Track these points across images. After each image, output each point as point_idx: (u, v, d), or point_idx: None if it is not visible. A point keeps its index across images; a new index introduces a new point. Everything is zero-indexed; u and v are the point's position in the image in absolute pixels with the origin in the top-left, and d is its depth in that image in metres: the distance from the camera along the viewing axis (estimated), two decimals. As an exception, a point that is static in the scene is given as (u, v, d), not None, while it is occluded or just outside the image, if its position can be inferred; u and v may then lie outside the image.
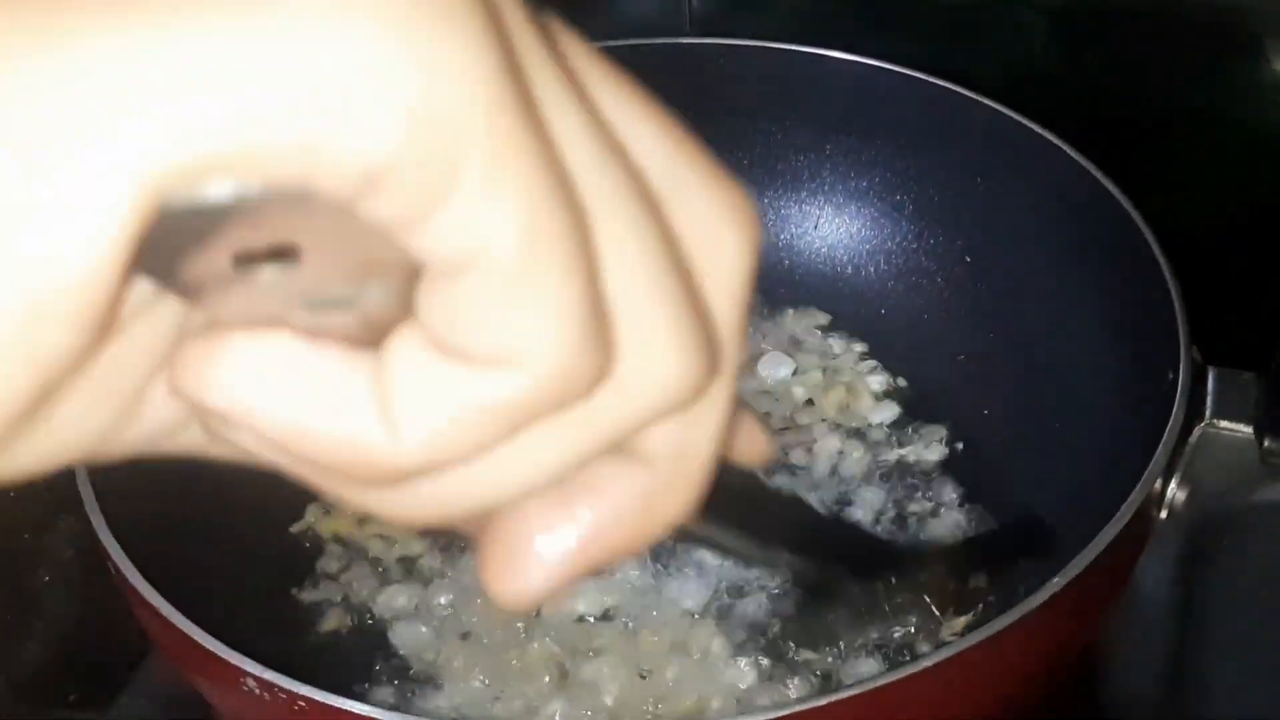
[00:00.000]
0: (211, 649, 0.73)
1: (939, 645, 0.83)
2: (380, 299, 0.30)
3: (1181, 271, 0.87)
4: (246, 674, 0.72)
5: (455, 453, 0.29)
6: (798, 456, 1.01)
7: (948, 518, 0.97)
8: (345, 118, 0.26)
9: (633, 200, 0.30)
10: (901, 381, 1.06)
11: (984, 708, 0.79)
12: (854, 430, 1.03)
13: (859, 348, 1.07)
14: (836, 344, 1.08)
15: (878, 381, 1.04)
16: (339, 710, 0.69)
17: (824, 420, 1.03)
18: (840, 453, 1.01)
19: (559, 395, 0.29)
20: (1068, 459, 0.94)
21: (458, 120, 0.26)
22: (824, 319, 1.09)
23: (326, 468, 0.30)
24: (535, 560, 0.32)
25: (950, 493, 0.98)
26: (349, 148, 0.26)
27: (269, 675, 0.71)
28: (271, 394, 0.29)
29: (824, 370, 1.06)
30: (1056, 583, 0.72)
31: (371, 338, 0.29)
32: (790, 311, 1.10)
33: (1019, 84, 1.08)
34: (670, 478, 0.33)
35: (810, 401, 1.05)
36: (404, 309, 0.29)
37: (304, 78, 0.25)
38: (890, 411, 1.03)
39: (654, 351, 0.30)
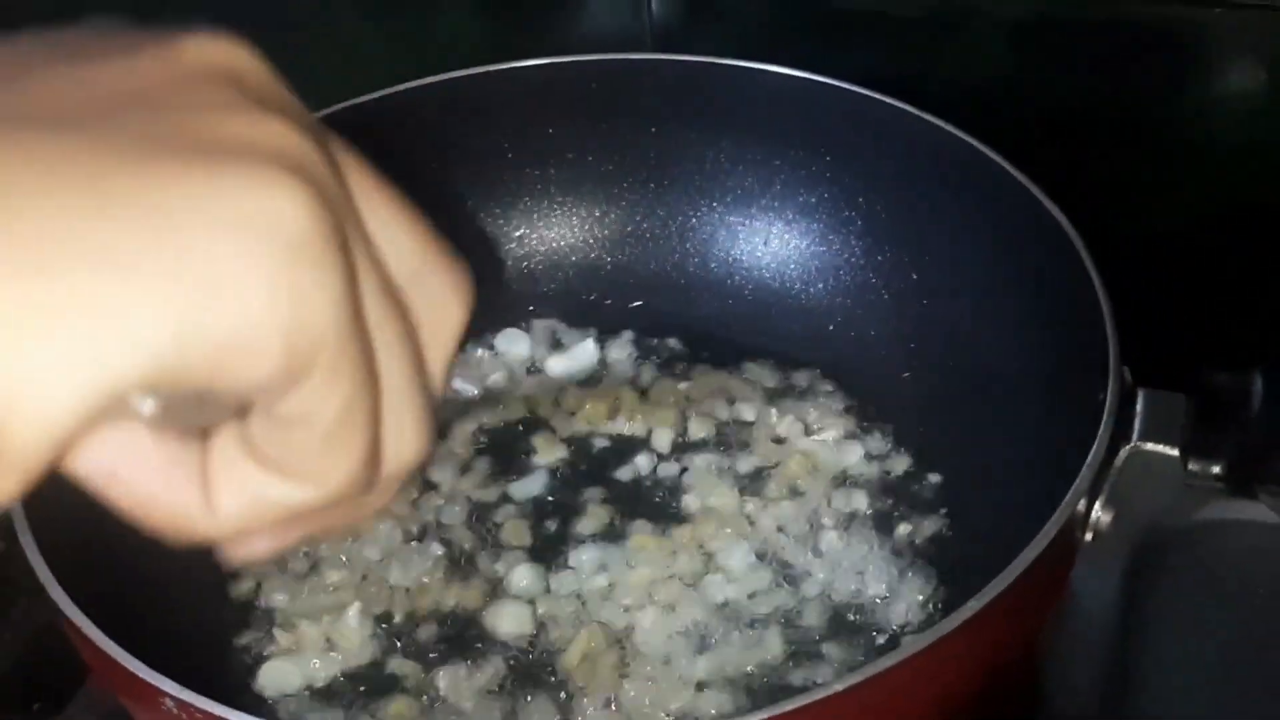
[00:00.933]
0: (131, 669, 0.73)
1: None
2: (218, 416, 0.42)
3: (1118, 292, 0.86)
4: (165, 694, 0.72)
5: (252, 527, 0.42)
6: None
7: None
8: (241, 351, 0.37)
9: (398, 327, 0.41)
10: (851, 399, 1.05)
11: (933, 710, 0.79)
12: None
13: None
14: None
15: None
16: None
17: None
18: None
19: (337, 502, 0.41)
20: (1003, 475, 0.94)
21: (318, 337, 0.38)
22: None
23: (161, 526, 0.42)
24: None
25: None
26: (242, 372, 0.37)
27: (186, 695, 0.71)
28: (125, 470, 0.41)
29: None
30: (970, 607, 0.72)
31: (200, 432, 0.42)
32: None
33: (973, 99, 1.08)
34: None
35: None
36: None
37: (215, 327, 0.36)
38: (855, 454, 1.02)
39: (407, 438, 0.42)
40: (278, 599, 0.95)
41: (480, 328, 1.10)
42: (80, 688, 0.95)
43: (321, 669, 0.91)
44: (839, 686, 0.70)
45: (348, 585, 0.96)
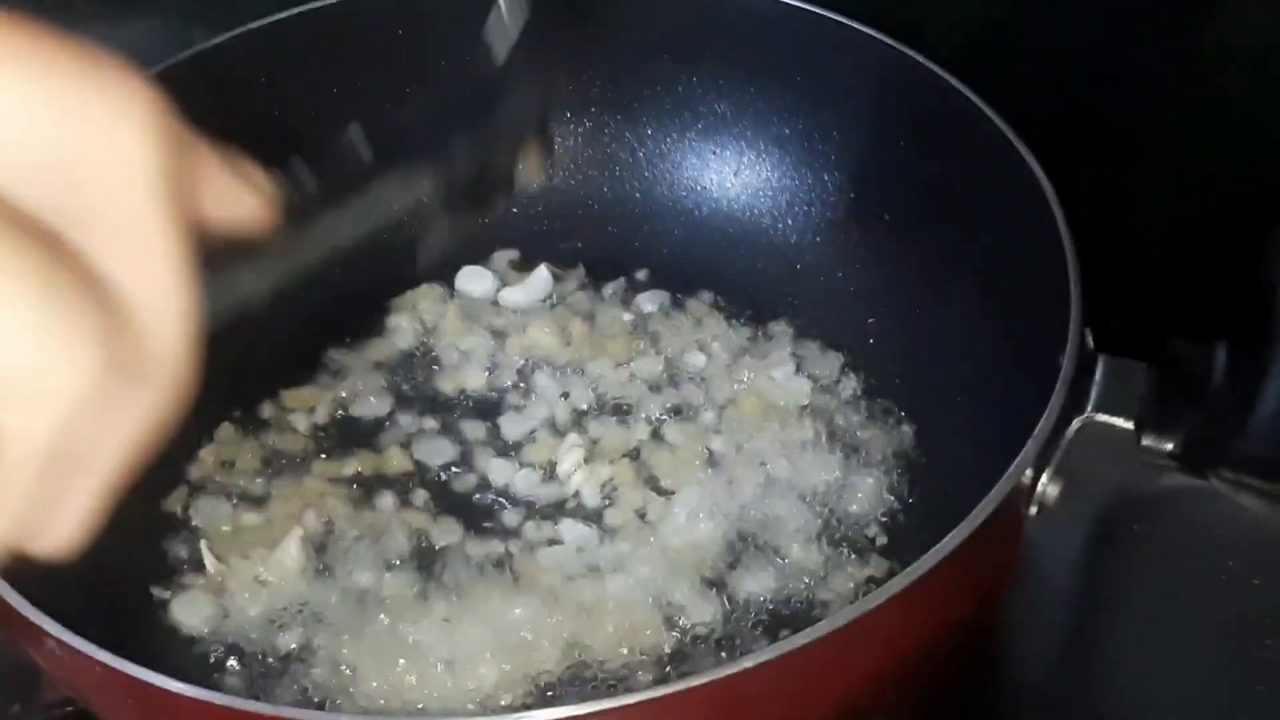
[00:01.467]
0: (14, 605, 0.70)
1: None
2: None
3: (1089, 252, 0.82)
4: (46, 634, 0.69)
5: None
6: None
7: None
8: None
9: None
10: (812, 335, 1.02)
11: (852, 691, 0.76)
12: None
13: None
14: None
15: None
16: (131, 677, 0.67)
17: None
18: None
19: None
20: (963, 430, 0.91)
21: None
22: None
23: None
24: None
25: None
26: None
27: (66, 636, 0.68)
28: None
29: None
30: (898, 582, 0.68)
31: None
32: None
33: (962, 40, 1.02)
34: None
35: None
36: None
37: None
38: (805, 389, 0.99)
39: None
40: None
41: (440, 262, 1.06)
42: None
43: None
44: (762, 658, 0.66)
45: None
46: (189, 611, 0.88)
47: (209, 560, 0.90)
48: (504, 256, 1.08)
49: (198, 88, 0.91)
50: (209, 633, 0.88)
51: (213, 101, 0.93)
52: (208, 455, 0.97)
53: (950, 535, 0.70)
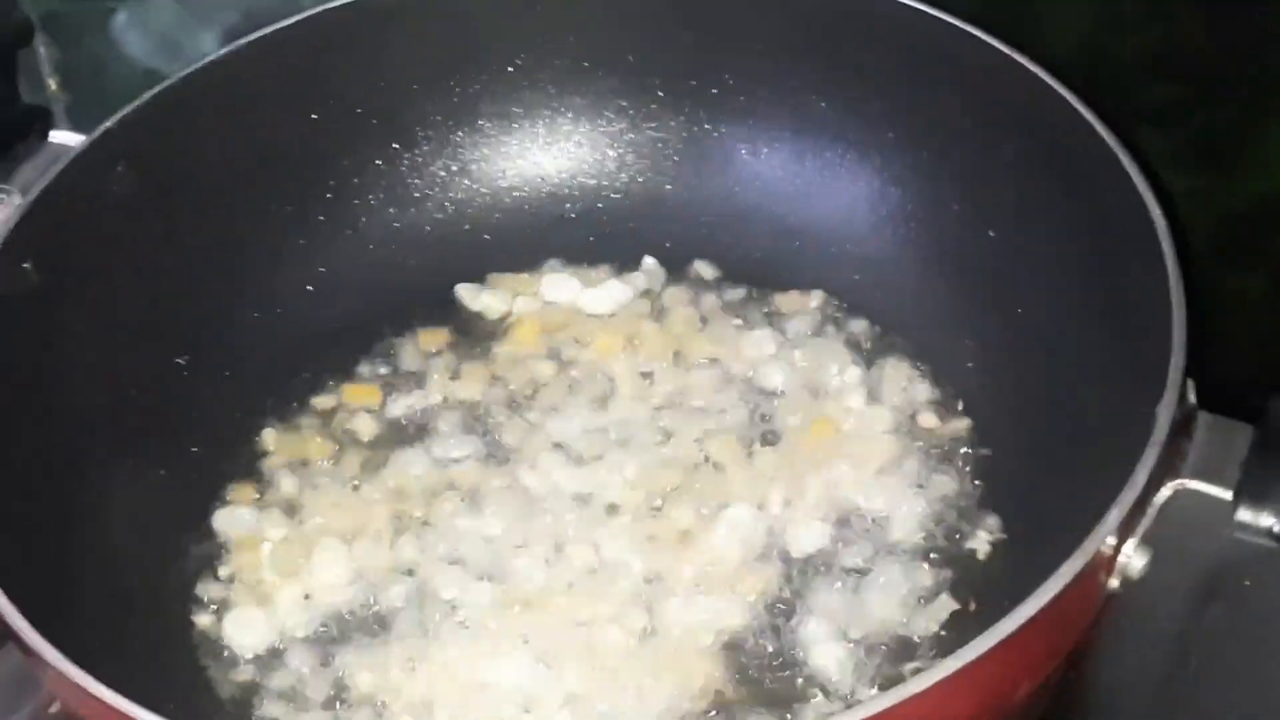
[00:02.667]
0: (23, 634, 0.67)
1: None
2: None
3: (1196, 291, 0.75)
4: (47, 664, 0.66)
5: None
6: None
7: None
8: None
9: None
10: (901, 353, 0.96)
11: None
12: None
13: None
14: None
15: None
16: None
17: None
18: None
19: None
20: (1038, 479, 0.85)
21: None
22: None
23: None
24: None
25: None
26: None
27: (65, 667, 0.65)
28: None
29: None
30: (956, 659, 0.63)
31: None
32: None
33: (1066, 39, 0.95)
34: None
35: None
36: None
37: None
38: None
39: None
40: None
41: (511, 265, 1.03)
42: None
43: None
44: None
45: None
46: (237, 629, 0.86)
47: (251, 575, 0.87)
48: (586, 256, 1.03)
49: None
50: (253, 651, 0.85)
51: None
52: (268, 448, 0.94)
53: (1014, 612, 0.64)
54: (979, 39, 0.91)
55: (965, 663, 0.62)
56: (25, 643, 0.67)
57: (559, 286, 1.02)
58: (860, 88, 0.99)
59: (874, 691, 0.78)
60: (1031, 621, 0.63)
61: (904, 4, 0.94)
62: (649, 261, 1.03)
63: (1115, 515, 0.67)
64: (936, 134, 0.97)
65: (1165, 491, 0.70)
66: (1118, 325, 0.81)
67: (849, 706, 0.63)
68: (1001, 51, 0.90)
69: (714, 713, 0.80)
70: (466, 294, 1.02)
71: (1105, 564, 0.69)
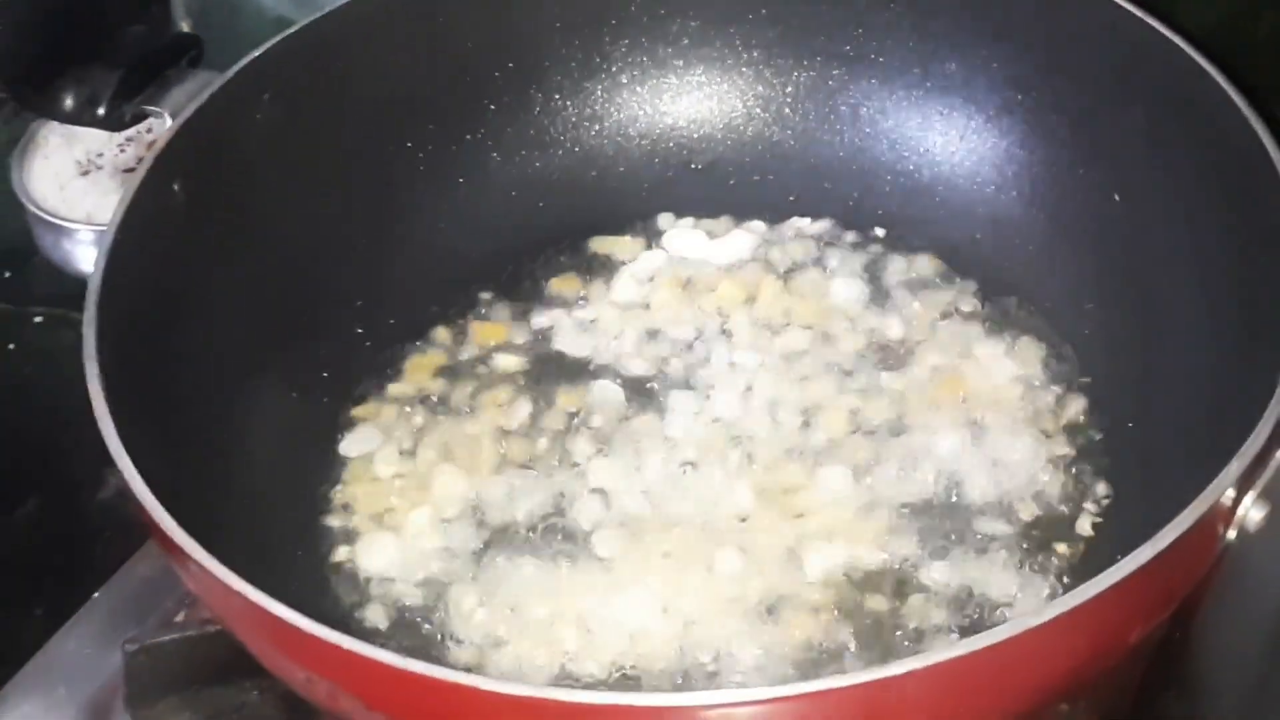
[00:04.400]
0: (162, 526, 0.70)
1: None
2: None
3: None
4: (190, 559, 0.69)
5: None
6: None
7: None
8: None
9: None
10: (1025, 311, 0.97)
11: (1016, 704, 0.72)
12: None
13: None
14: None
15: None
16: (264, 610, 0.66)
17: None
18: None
19: None
20: (1161, 434, 0.85)
21: None
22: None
23: None
24: None
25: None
26: None
27: (209, 563, 0.68)
28: None
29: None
30: (1076, 595, 0.64)
31: None
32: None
33: (1227, 22, 0.96)
34: None
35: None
36: None
37: None
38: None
39: None
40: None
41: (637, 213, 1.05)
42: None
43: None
44: (920, 664, 0.63)
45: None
46: (366, 555, 0.88)
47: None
48: (710, 208, 1.05)
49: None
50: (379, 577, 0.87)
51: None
52: (400, 375, 0.97)
53: (1132, 555, 0.65)
54: (1114, 4, 0.91)
55: (1087, 598, 0.63)
56: (175, 544, 0.69)
57: (683, 237, 1.04)
58: (991, 50, 1.00)
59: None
60: (1149, 564, 0.64)
61: (1041, -31, 0.94)
62: (772, 216, 1.04)
63: (1236, 466, 0.68)
64: (1067, 99, 0.97)
65: (1288, 447, 0.70)
66: (1241, 292, 0.82)
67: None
68: (1139, 19, 0.90)
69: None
70: (597, 243, 1.03)
71: (1224, 515, 0.69)
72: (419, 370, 0.97)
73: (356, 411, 0.95)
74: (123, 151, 1.16)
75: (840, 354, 0.96)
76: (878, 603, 0.83)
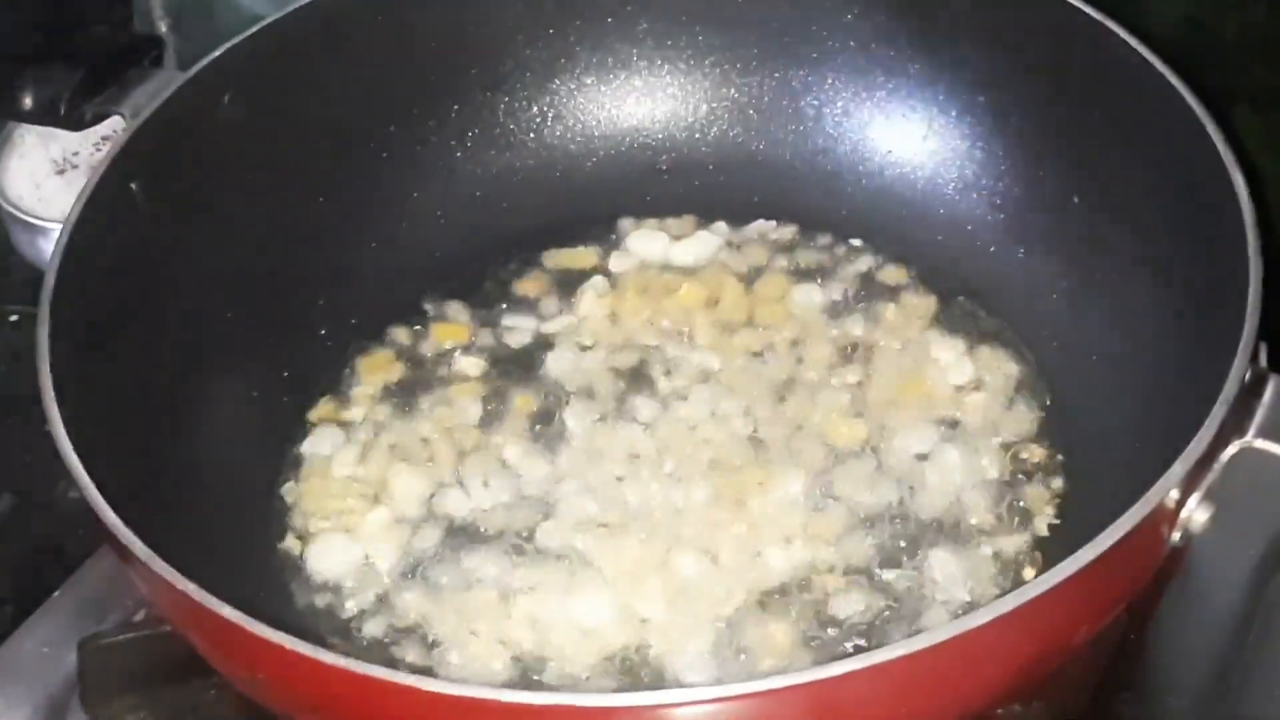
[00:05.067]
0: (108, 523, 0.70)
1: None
2: None
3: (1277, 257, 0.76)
4: (140, 563, 0.69)
5: None
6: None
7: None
8: None
9: None
10: (983, 312, 0.97)
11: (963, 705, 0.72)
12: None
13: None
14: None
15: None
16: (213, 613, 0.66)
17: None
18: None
19: None
20: (1111, 434, 0.86)
21: None
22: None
23: None
24: None
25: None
26: None
27: (160, 568, 0.68)
28: None
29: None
30: (1018, 595, 0.64)
31: None
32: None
33: (1186, 26, 0.96)
34: None
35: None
36: None
37: None
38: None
39: None
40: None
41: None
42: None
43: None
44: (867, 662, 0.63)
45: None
46: (322, 556, 0.88)
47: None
48: (673, 208, 1.05)
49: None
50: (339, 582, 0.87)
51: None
52: (357, 376, 0.97)
53: (1074, 556, 0.65)
54: (1074, 6, 0.92)
55: (1028, 599, 0.63)
56: (120, 543, 0.69)
57: (646, 239, 1.04)
58: (954, 52, 1.00)
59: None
60: (1092, 565, 0.65)
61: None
62: (735, 218, 1.04)
63: (1180, 468, 0.68)
64: (1028, 102, 0.98)
65: (1231, 449, 0.70)
66: (1193, 296, 0.83)
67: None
68: (1099, 22, 0.91)
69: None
70: (554, 256, 1.04)
71: (1168, 516, 0.70)
72: (378, 370, 0.97)
73: (316, 412, 0.95)
74: (98, 150, 1.16)
75: (801, 356, 0.96)
76: (831, 605, 0.83)
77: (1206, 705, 0.83)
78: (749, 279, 1.01)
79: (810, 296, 1.00)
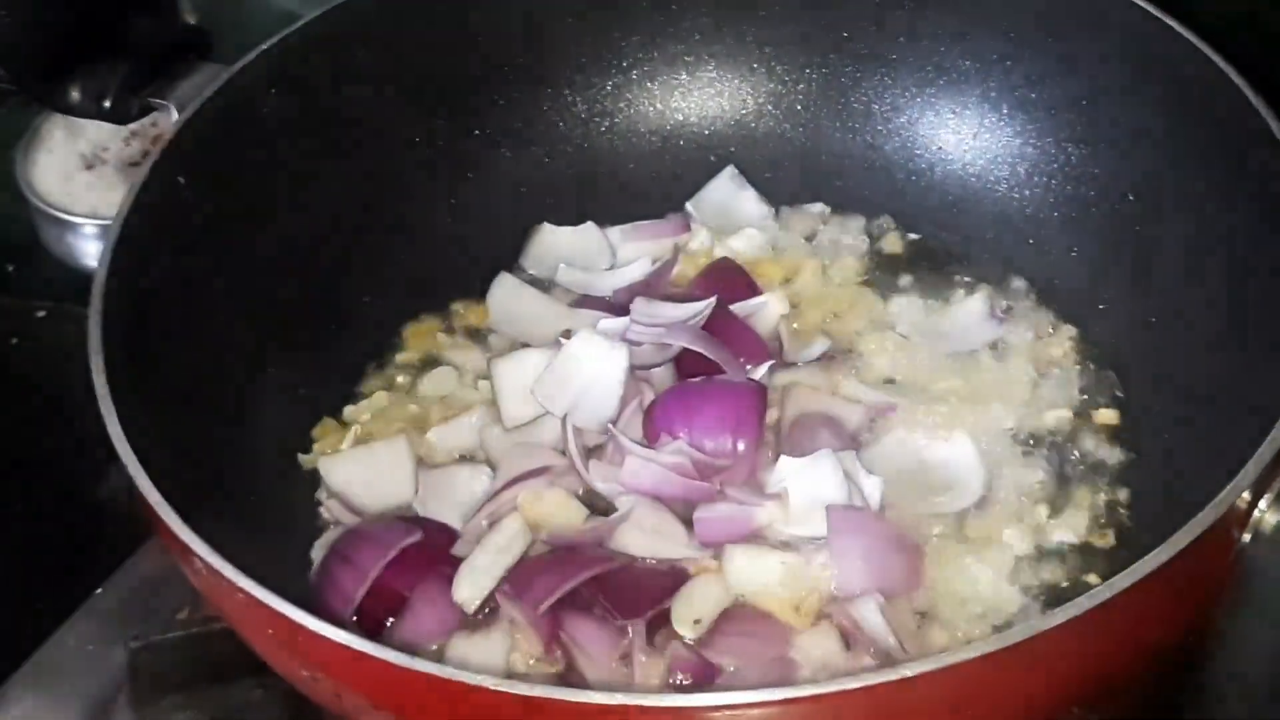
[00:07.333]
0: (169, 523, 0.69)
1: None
2: None
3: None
4: (196, 555, 0.68)
5: None
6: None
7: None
8: None
9: None
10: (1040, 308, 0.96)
11: (1029, 705, 0.71)
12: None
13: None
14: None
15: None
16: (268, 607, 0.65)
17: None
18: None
19: None
20: (1177, 435, 0.85)
21: None
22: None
23: None
24: None
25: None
26: None
27: (214, 560, 0.67)
28: None
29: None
30: (1089, 598, 0.63)
31: None
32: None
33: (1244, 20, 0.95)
34: None
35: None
36: None
37: None
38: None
39: None
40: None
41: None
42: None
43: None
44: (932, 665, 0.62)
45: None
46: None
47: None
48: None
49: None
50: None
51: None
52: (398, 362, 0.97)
53: (1146, 558, 0.64)
54: (1132, 3, 0.91)
55: (1095, 604, 0.62)
56: (173, 533, 0.68)
57: (700, 233, 1.03)
58: (1005, 48, 0.99)
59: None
60: (1165, 567, 0.64)
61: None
62: (782, 210, 1.04)
63: (1252, 470, 0.67)
64: (1081, 97, 0.97)
65: (1304, 450, 0.69)
66: (1258, 294, 0.81)
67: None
68: (1154, 15, 0.90)
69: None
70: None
71: (1239, 518, 0.69)
72: (418, 344, 0.97)
73: (359, 405, 0.94)
74: (128, 145, 1.16)
75: (854, 346, 0.95)
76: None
77: (1264, 710, 0.82)
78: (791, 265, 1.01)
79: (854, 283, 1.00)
